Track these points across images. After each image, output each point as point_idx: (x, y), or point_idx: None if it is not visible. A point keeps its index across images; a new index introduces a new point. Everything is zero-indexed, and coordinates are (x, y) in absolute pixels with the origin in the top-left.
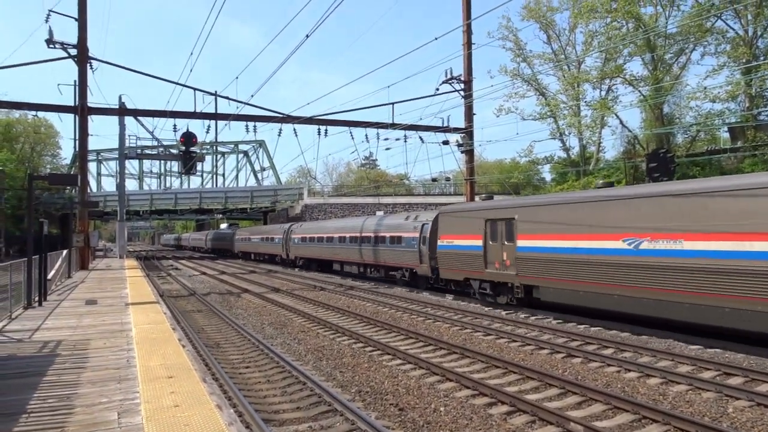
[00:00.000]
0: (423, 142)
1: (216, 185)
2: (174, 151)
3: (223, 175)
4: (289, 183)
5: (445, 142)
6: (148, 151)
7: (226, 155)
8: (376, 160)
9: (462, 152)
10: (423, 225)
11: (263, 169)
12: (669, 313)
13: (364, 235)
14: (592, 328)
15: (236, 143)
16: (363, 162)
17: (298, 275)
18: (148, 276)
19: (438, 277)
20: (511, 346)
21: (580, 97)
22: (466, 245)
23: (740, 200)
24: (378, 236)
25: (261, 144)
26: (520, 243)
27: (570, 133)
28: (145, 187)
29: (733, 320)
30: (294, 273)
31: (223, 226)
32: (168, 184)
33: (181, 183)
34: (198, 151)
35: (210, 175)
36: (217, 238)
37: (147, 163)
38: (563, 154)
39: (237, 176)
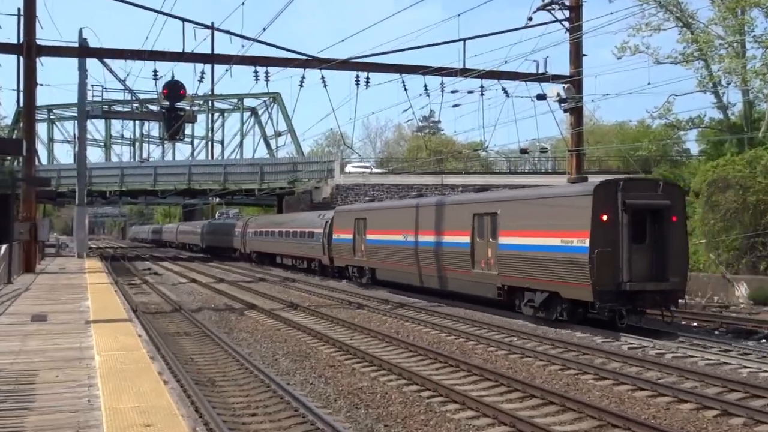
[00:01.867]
0: (508, 96)
1: (212, 156)
2: (154, 107)
3: (222, 142)
4: (313, 154)
5: (541, 97)
6: (117, 108)
7: (226, 114)
8: (439, 122)
9: (565, 111)
10: (326, 222)
11: (278, 135)
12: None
13: (293, 229)
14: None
15: (241, 97)
16: (420, 125)
17: (330, 287)
18: (117, 283)
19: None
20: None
21: (746, 29)
22: (346, 238)
23: (445, 208)
24: (297, 231)
25: (275, 98)
26: (368, 237)
27: (729, 84)
28: (114, 158)
29: (462, 285)
30: (323, 284)
31: (223, 213)
32: (145, 155)
33: (164, 153)
34: (187, 108)
35: (203, 142)
36: (214, 231)
37: (116, 125)
38: (718, 115)
39: (241, 144)
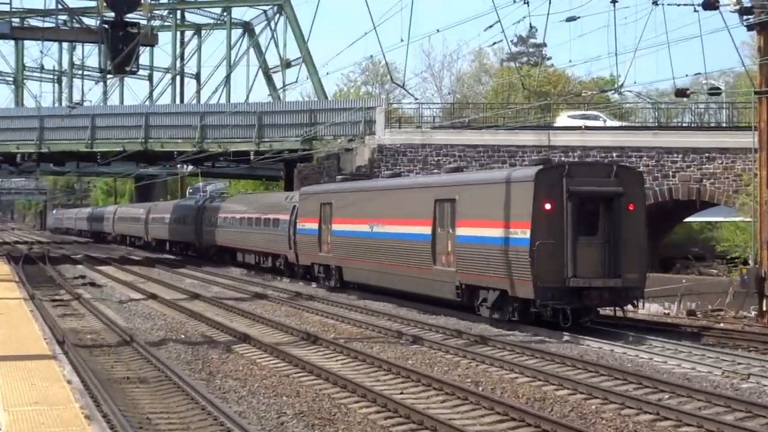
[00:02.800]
0: (656, 3)
1: (182, 99)
2: (91, 21)
3: (198, 77)
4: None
5: (710, 5)
6: (35, 22)
7: (204, 32)
8: (544, 46)
9: (750, 28)
10: (294, 206)
11: (286, 65)
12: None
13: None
14: None
15: (228, 6)
16: (514, 51)
17: (360, 307)
18: (34, 299)
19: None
20: None
21: None
22: (311, 229)
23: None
24: (260, 219)
25: (281, 8)
26: (334, 227)
27: None
28: (29, 102)
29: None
30: (347, 302)
31: (198, 190)
32: (77, 97)
33: (106, 94)
34: (143, 22)
35: (168, 77)
36: (181, 217)
37: (33, 50)
38: None
39: (228, 80)
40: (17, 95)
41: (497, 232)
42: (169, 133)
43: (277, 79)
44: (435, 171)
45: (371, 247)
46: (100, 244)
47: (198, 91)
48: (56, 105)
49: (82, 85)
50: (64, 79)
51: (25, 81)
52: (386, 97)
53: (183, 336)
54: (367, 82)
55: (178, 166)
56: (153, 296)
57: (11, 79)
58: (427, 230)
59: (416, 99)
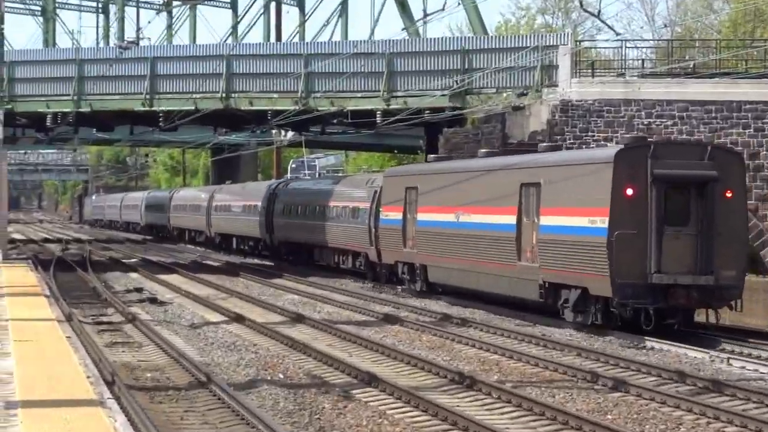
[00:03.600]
0: None
1: (278, 37)
2: None
3: (302, 3)
4: (509, 31)
5: None
6: None
7: None
8: None
9: None
10: (375, 192)
11: None
12: None
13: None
14: None
15: None
16: None
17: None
18: (71, 320)
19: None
20: None
21: None
22: (394, 219)
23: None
24: (336, 207)
25: None
26: (420, 216)
27: None
28: (64, 42)
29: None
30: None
31: (301, 166)
32: (130, 34)
33: (171, 29)
34: None
35: (258, 2)
36: (249, 206)
37: None
38: None
39: (343, 8)
40: (47, 31)
41: (577, 221)
42: (261, 85)
43: (416, 6)
44: (609, 142)
45: (457, 240)
46: (163, 243)
47: (302, 24)
48: (101, 45)
49: (138, 17)
50: (112, 8)
51: (58, 11)
52: (573, 33)
53: (281, 376)
54: (546, 11)
55: (274, 132)
56: (238, 318)
57: (38, 8)
58: (511, 220)
59: (618, 34)
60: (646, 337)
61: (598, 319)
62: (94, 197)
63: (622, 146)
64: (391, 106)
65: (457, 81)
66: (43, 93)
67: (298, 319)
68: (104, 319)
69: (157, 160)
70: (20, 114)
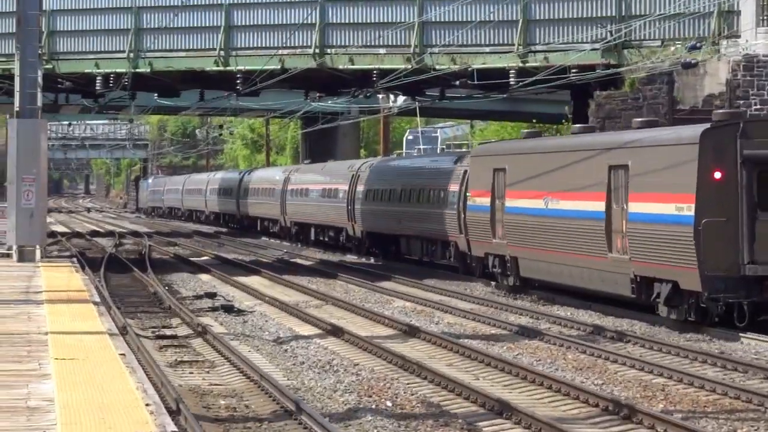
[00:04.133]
0: None
1: None
2: None
3: None
4: None
5: None
6: None
7: None
8: None
9: None
10: (465, 172)
11: None
12: None
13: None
14: None
15: None
16: None
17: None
18: (126, 333)
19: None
20: None
21: None
22: (482, 206)
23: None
24: (419, 190)
25: None
26: (508, 202)
27: None
28: None
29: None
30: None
31: (415, 139)
32: None
33: None
34: None
35: None
36: (330, 190)
37: None
38: None
39: None
40: None
41: (665, 208)
42: (365, 38)
43: None
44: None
45: (548, 230)
46: (241, 238)
47: None
48: None
49: None
50: None
51: None
52: None
53: (389, 404)
54: None
55: (381, 97)
56: (335, 331)
57: None
58: (600, 206)
59: None
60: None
61: (691, 315)
62: (151, 180)
63: (707, 125)
64: (528, 64)
65: (611, 32)
66: (91, 49)
67: (411, 332)
68: (168, 332)
69: (234, 132)
70: (63, 76)
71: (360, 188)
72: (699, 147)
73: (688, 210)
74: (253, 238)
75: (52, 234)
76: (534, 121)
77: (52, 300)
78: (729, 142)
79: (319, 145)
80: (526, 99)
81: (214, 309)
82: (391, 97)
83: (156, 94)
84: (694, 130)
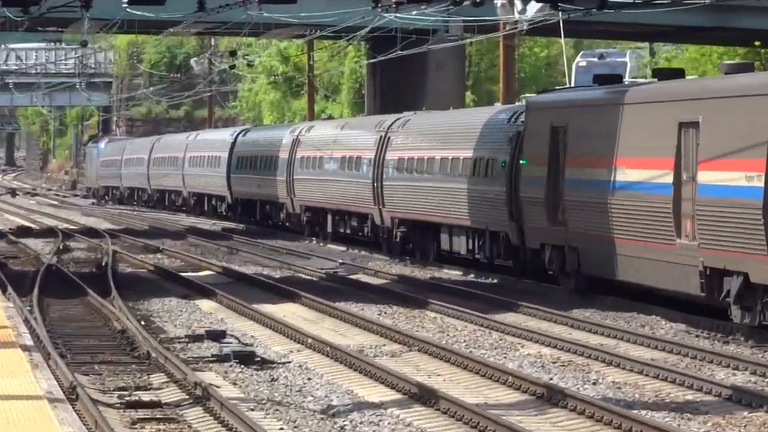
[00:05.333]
0: None
1: None
2: None
3: None
4: None
5: None
6: None
7: None
8: None
9: None
10: (518, 133)
11: None
12: None
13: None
14: None
15: None
16: None
17: None
18: (77, 399)
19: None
20: None
21: None
22: (537, 177)
23: None
24: (456, 160)
25: None
26: (568, 174)
27: None
28: None
29: None
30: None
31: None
32: None
33: None
34: None
35: None
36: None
37: None
38: None
39: None
40: None
41: (734, 178)
42: None
43: None
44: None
45: (614, 209)
46: (266, 239)
47: None
48: None
49: None
50: None
51: None
52: None
53: None
54: None
55: (498, 4)
56: (425, 396)
57: None
58: (666, 177)
59: None
60: None
61: (766, 318)
62: (102, 144)
63: None
64: None
65: None
66: None
67: (551, 397)
68: (145, 397)
69: (254, 64)
70: None
71: (389, 157)
72: None
73: (758, 180)
74: (287, 239)
75: None
76: (757, 43)
77: None
78: None
79: (397, 85)
80: (742, 6)
81: (222, 358)
82: (517, 4)
83: (125, 0)
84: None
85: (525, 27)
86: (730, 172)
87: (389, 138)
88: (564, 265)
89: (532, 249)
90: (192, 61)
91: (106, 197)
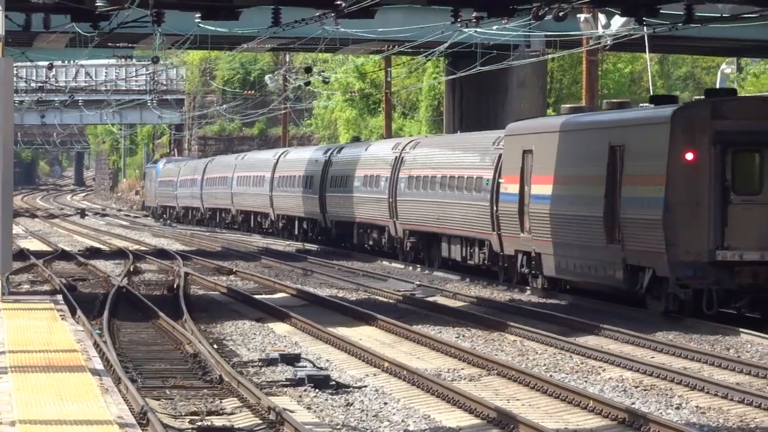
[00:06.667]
0: None
1: None
2: None
3: None
4: None
5: None
6: None
7: None
8: None
9: None
10: (499, 156)
11: None
12: None
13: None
14: None
15: None
16: None
17: None
18: (147, 422)
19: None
20: None
21: None
22: (511, 194)
23: None
24: (453, 177)
25: None
26: (534, 189)
27: None
28: None
29: None
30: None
31: None
32: None
33: None
34: None
35: None
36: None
37: None
38: None
39: None
40: None
41: (645, 191)
42: None
43: None
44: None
45: (559, 219)
46: (347, 261)
47: None
48: None
49: None
50: None
51: None
52: None
53: None
54: None
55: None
56: (505, 421)
57: None
58: (599, 191)
59: None
60: None
61: (671, 304)
62: (162, 165)
63: (681, 104)
64: None
65: None
66: None
67: (632, 422)
68: (218, 422)
69: (330, 80)
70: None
71: (403, 174)
72: (670, 127)
73: (658, 192)
74: (363, 261)
75: (21, 254)
76: None
77: (21, 366)
78: (702, 121)
79: (477, 102)
80: None
81: (296, 382)
82: (601, 18)
83: (197, 15)
84: (667, 110)
85: (609, 42)
86: (643, 186)
87: (403, 158)
88: (528, 267)
89: (509, 255)
90: (266, 78)
91: (164, 216)
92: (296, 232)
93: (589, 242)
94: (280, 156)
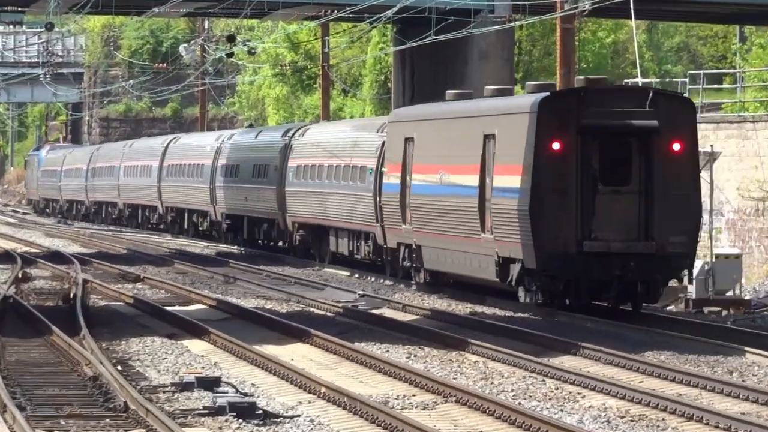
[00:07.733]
0: None
1: None
2: None
3: None
4: None
5: None
6: None
7: None
8: None
9: None
10: (383, 144)
11: None
12: None
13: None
14: None
15: None
16: None
17: None
18: None
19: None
20: None
21: None
22: (394, 184)
23: None
24: (337, 166)
25: None
26: (414, 179)
27: None
28: None
29: None
30: None
31: None
32: None
33: None
34: None
35: None
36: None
37: None
38: None
39: None
40: None
41: (512, 181)
42: None
43: None
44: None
45: (440, 210)
46: (277, 266)
47: None
48: None
49: None
50: None
51: None
52: None
53: None
54: None
55: None
56: None
57: None
58: (473, 181)
59: None
60: None
61: (540, 297)
62: (44, 153)
63: (547, 93)
64: None
65: None
66: None
67: None
68: None
69: (257, 51)
70: None
71: (292, 164)
72: (536, 116)
73: (525, 183)
74: (296, 266)
75: None
76: None
77: None
78: (569, 111)
79: (431, 77)
80: None
81: (216, 411)
82: None
83: None
84: (533, 99)
85: (587, 6)
86: (509, 176)
87: (291, 146)
88: (410, 261)
89: (391, 248)
90: (181, 49)
91: (46, 210)
92: (185, 226)
93: (464, 234)
94: (169, 143)
